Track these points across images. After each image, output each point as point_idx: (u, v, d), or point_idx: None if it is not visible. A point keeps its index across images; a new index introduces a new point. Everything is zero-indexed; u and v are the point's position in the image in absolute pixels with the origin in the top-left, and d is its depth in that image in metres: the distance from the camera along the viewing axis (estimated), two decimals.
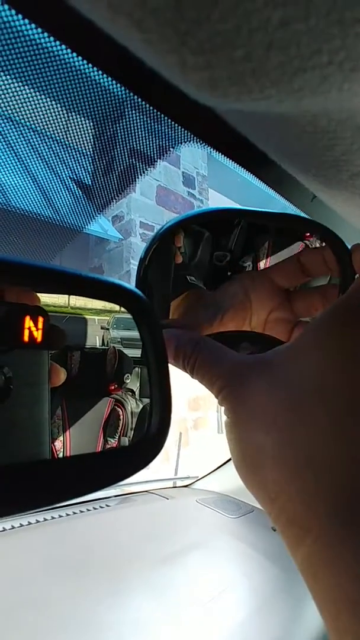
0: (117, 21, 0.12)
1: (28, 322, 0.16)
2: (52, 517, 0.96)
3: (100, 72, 0.17)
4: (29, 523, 0.92)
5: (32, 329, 0.16)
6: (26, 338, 0.16)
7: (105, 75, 0.21)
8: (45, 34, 0.17)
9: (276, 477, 0.16)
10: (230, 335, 0.30)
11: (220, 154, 0.27)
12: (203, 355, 0.20)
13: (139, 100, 0.22)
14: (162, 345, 0.18)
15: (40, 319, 0.16)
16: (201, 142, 0.26)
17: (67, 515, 0.98)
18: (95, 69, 0.17)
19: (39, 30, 0.17)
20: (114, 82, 0.23)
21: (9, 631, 0.60)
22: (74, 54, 0.16)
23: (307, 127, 0.19)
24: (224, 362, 0.20)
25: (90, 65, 0.17)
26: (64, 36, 0.15)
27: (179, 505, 1.07)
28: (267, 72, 0.14)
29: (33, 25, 0.17)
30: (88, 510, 1.02)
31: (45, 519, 0.95)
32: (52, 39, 0.18)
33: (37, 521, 0.93)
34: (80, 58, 0.16)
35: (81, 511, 1.01)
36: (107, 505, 1.05)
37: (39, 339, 0.16)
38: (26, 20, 0.16)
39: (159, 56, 0.13)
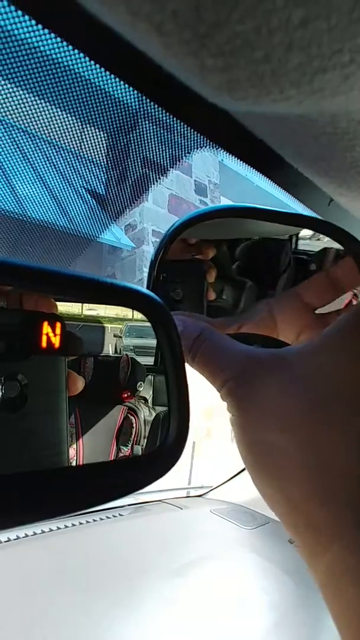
0: (137, 25, 0.12)
1: (46, 328, 0.16)
2: (65, 526, 0.96)
3: (117, 79, 0.18)
4: (42, 532, 0.92)
5: (50, 334, 0.16)
6: (44, 344, 0.16)
7: (119, 85, 0.22)
8: (63, 42, 0.18)
9: (300, 481, 0.15)
10: (241, 336, 0.29)
11: (235, 157, 0.26)
12: (207, 343, 0.19)
13: (154, 107, 0.22)
14: (180, 348, 0.18)
15: (58, 325, 0.16)
16: (216, 146, 0.25)
17: (80, 524, 0.98)
18: (112, 76, 0.17)
19: (56, 38, 0.17)
20: (128, 91, 0.23)
21: (24, 635, 0.60)
22: (91, 62, 0.17)
23: (327, 128, 0.19)
24: (230, 353, 0.19)
25: (107, 72, 0.17)
26: (82, 43, 0.15)
27: (193, 516, 1.05)
28: (287, 72, 0.14)
29: (50, 35, 0.17)
30: (101, 519, 1.01)
31: (58, 528, 0.95)
32: (68, 48, 0.18)
33: (50, 530, 0.93)
34: (97, 66, 0.17)
35: (94, 520, 1.00)
36: (120, 515, 1.04)
37: (57, 344, 0.16)
38: (45, 31, 0.16)
39: (178, 60, 0.13)
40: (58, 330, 0.16)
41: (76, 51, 0.16)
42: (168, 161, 0.29)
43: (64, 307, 0.20)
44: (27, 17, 0.16)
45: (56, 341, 0.16)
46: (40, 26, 0.16)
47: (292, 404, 0.16)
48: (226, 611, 0.67)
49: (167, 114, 0.22)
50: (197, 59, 0.13)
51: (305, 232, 0.37)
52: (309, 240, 0.38)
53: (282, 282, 0.36)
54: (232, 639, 0.63)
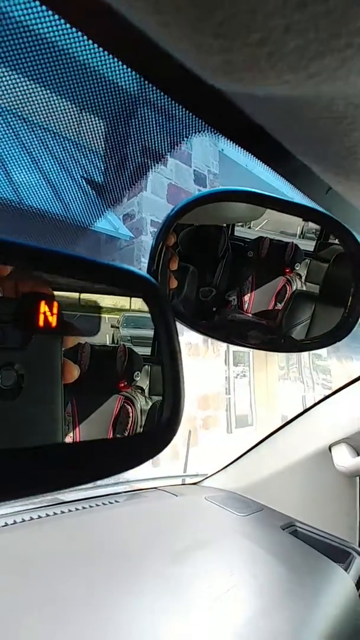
0: (135, 3, 0.12)
1: (43, 307, 0.16)
2: (62, 512, 0.98)
3: (114, 59, 0.17)
4: (39, 517, 0.93)
5: (47, 313, 0.16)
6: (41, 323, 0.16)
7: (117, 67, 0.22)
8: (60, 20, 0.18)
9: None
10: (241, 322, 0.30)
11: (233, 143, 0.26)
12: None
13: (151, 89, 0.22)
14: (173, 323, 0.18)
15: (55, 304, 0.16)
16: (215, 131, 0.25)
17: (77, 510, 0.99)
18: (110, 56, 0.17)
19: (53, 15, 0.17)
20: (125, 74, 0.23)
21: (26, 618, 0.61)
22: (88, 41, 0.17)
23: (324, 112, 0.19)
24: None
25: (104, 51, 0.17)
26: (79, 21, 0.15)
27: (188, 502, 1.07)
28: (284, 56, 0.14)
29: (47, 12, 0.17)
30: (97, 505, 1.03)
31: (54, 513, 0.96)
32: (65, 26, 0.18)
33: (47, 515, 0.95)
34: (95, 45, 0.16)
35: (90, 506, 1.02)
36: (117, 501, 1.06)
37: (54, 323, 0.16)
38: (43, 7, 0.16)
39: (175, 39, 0.13)
40: (55, 310, 0.16)
41: (73, 29, 0.16)
42: (168, 144, 0.29)
43: (61, 296, 0.21)
44: None
45: (53, 320, 0.16)
46: (37, 3, 0.16)
47: None
48: (218, 594, 0.69)
49: (165, 95, 0.22)
50: (193, 39, 0.13)
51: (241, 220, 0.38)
52: (243, 228, 0.38)
53: (221, 266, 0.37)
54: (224, 621, 0.65)
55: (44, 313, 0.16)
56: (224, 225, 0.37)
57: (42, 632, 0.60)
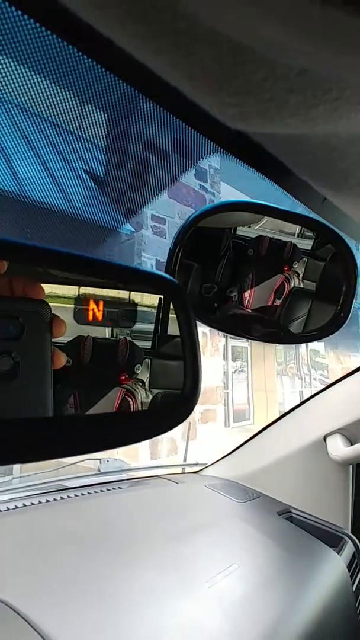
0: (174, 75, 0.15)
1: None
2: (68, 497, 1.02)
3: (146, 98, 0.21)
4: (47, 501, 0.97)
5: None
6: None
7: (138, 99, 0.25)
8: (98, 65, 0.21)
9: None
10: (244, 316, 0.33)
11: (240, 162, 0.30)
12: None
13: (170, 118, 0.25)
14: (192, 322, 0.22)
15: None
16: (224, 152, 0.29)
17: (82, 495, 1.04)
18: (137, 92, 0.21)
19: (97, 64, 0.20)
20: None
21: (32, 597, 0.65)
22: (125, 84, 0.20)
23: (320, 144, 0.22)
24: None
25: (136, 91, 0.20)
26: (124, 74, 0.19)
27: (189, 489, 1.11)
28: (288, 108, 0.18)
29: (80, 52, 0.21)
30: (102, 491, 1.07)
31: (62, 498, 1.00)
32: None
33: (55, 499, 0.99)
34: (132, 88, 0.20)
35: (95, 492, 1.06)
36: (120, 487, 1.11)
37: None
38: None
39: (201, 96, 0.17)
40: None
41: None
42: (184, 164, 0.32)
43: (60, 290, 0.24)
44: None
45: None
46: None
47: None
48: (218, 571, 0.74)
49: (180, 121, 0.26)
50: (217, 96, 0.17)
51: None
52: (244, 227, 0.42)
53: (222, 264, 0.40)
54: (223, 596, 0.70)
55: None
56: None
57: (53, 608, 0.64)
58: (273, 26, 0.14)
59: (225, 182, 4.41)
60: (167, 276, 0.22)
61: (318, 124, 0.19)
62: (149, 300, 0.27)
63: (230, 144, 0.26)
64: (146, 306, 0.28)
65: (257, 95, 0.17)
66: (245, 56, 0.15)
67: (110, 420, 0.23)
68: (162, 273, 0.22)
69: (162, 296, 0.31)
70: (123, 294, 0.27)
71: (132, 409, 0.28)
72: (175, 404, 0.22)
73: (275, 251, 0.46)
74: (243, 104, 0.17)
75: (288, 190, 0.35)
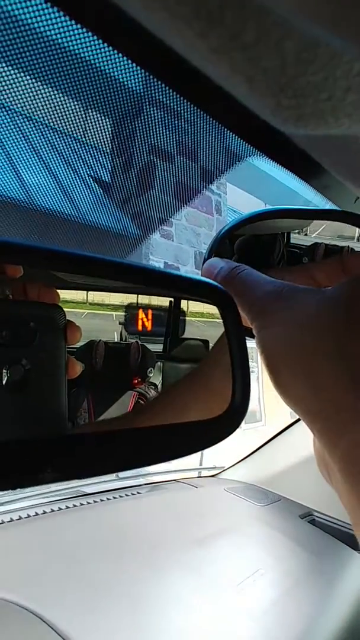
0: (233, 78, 0.15)
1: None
2: (88, 503, 1.02)
3: (191, 104, 0.21)
4: (67, 507, 0.97)
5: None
6: None
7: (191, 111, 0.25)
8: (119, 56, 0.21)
9: (330, 372, 0.17)
10: None
11: (274, 162, 0.30)
12: (245, 270, 0.22)
13: (212, 124, 0.25)
14: (243, 334, 0.21)
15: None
16: (259, 153, 0.29)
17: (102, 500, 1.04)
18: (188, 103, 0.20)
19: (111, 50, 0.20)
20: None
21: (56, 603, 0.65)
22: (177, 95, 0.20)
23: None
24: (266, 279, 0.22)
25: (187, 101, 0.20)
26: (172, 81, 0.19)
27: (208, 493, 1.11)
28: (344, 107, 0.17)
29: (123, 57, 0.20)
30: (120, 496, 1.07)
31: (81, 504, 1.00)
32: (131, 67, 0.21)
33: (74, 505, 0.99)
34: (179, 96, 0.20)
35: (114, 497, 1.06)
36: (139, 493, 1.10)
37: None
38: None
39: (258, 99, 0.17)
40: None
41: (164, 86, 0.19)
42: (216, 167, 0.32)
43: (69, 295, 0.23)
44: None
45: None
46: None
47: (325, 315, 0.19)
48: (245, 576, 0.73)
49: (219, 125, 0.26)
50: (275, 98, 0.16)
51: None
52: (299, 235, 0.41)
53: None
54: (251, 602, 0.69)
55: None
56: (279, 233, 0.39)
57: (77, 614, 0.63)
58: (338, 25, 0.13)
59: (232, 183, 4.39)
60: (217, 284, 0.21)
61: None
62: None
63: (266, 144, 0.25)
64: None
65: (315, 96, 0.16)
66: (309, 57, 0.14)
67: (151, 436, 0.21)
68: (209, 280, 0.22)
69: (172, 299, 0.31)
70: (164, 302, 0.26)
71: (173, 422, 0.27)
72: (224, 416, 0.21)
73: (331, 256, 0.44)
74: (300, 105, 0.16)
75: (319, 189, 0.34)
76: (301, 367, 0.18)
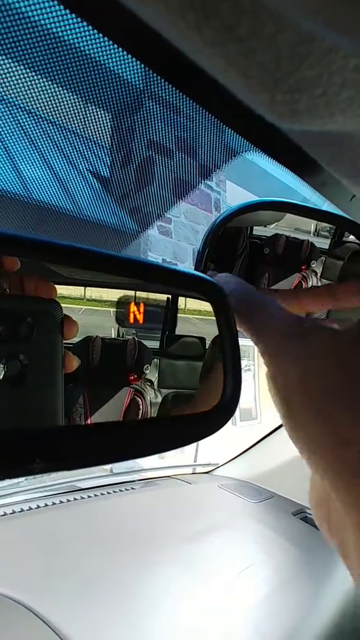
0: (229, 72, 0.15)
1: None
2: (82, 498, 1.02)
3: (192, 101, 0.21)
4: (60, 502, 0.98)
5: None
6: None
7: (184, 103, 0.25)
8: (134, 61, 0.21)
9: (350, 412, 0.17)
10: None
11: (272, 159, 0.30)
12: (259, 298, 0.22)
13: (200, 111, 0.25)
14: (235, 331, 0.21)
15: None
16: (256, 149, 0.29)
17: (96, 495, 1.04)
18: (189, 99, 0.20)
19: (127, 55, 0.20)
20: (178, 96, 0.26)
21: (47, 596, 0.65)
22: (168, 84, 0.20)
23: None
24: (281, 309, 0.21)
25: (188, 98, 0.20)
26: (169, 75, 0.19)
27: (202, 490, 1.11)
28: (338, 103, 0.17)
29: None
30: (114, 492, 1.07)
31: (75, 499, 1.01)
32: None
33: (68, 500, 0.99)
34: (180, 93, 0.20)
35: (108, 492, 1.06)
36: (133, 488, 1.11)
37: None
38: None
39: (253, 93, 0.17)
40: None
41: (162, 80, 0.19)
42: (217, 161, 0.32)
43: (67, 290, 0.23)
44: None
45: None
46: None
47: (344, 357, 0.18)
48: (236, 572, 0.73)
49: (218, 120, 0.26)
50: (270, 93, 0.16)
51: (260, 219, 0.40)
52: (260, 227, 0.41)
53: (238, 264, 0.40)
54: (242, 597, 0.70)
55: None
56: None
57: (68, 607, 0.64)
58: (334, 19, 0.13)
59: (231, 180, 4.38)
60: (208, 278, 0.21)
61: None
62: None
63: (263, 140, 0.25)
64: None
65: (310, 91, 0.16)
66: (304, 51, 0.14)
67: (140, 428, 0.22)
68: (203, 275, 0.22)
69: (169, 296, 0.31)
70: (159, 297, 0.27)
71: (140, 413, 0.27)
72: (213, 411, 0.21)
73: (292, 250, 0.45)
74: (295, 101, 0.16)
75: (316, 187, 0.34)
76: (318, 408, 0.18)
